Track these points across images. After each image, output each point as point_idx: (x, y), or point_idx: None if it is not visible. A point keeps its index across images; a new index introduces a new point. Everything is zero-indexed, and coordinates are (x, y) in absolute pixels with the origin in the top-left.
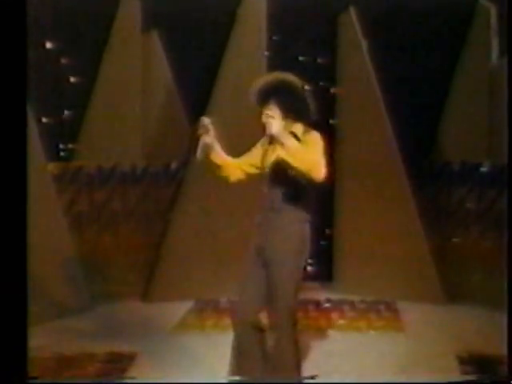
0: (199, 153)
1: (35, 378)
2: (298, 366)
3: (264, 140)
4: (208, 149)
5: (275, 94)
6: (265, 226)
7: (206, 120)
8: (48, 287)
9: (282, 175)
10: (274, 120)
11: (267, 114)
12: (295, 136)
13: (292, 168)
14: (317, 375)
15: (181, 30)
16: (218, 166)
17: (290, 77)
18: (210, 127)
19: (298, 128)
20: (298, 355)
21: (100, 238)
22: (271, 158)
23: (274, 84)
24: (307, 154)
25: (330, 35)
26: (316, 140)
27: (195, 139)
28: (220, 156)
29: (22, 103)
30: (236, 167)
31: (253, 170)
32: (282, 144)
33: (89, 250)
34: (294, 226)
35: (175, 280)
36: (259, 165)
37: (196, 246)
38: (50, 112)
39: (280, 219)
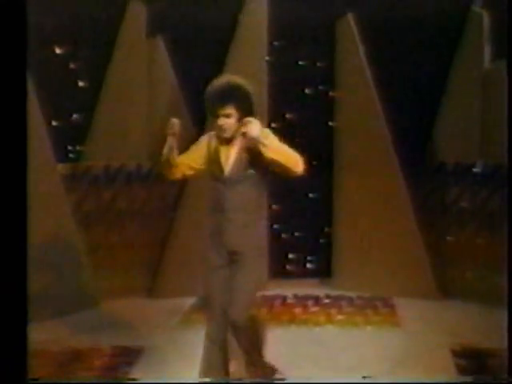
0: (165, 152)
1: (36, 379)
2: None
3: (208, 140)
4: (171, 150)
5: (232, 96)
6: (226, 226)
7: (175, 121)
8: (57, 283)
9: (242, 175)
10: (231, 121)
11: (224, 115)
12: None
13: (277, 165)
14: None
15: (184, 36)
16: (171, 166)
17: (241, 80)
18: (177, 129)
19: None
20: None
21: (107, 235)
22: (230, 158)
23: (229, 87)
24: (287, 150)
25: (328, 40)
26: (274, 136)
27: (163, 138)
28: (176, 157)
29: (22, 104)
30: (182, 168)
31: (193, 171)
32: (263, 144)
33: (96, 246)
34: (254, 225)
35: (179, 277)
36: (200, 166)
37: (199, 244)
38: (59, 115)
39: (241, 219)
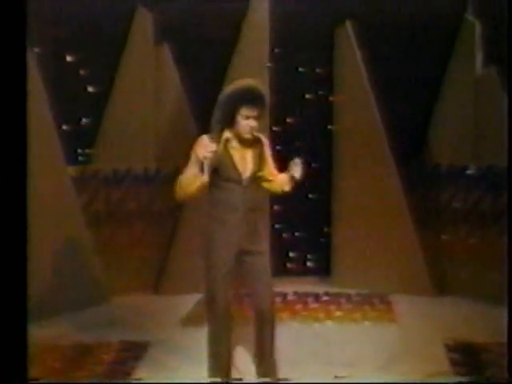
0: (206, 175)
1: (36, 379)
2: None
3: (228, 141)
4: (206, 172)
5: (260, 99)
6: (240, 225)
7: (208, 141)
8: (68, 280)
9: (254, 177)
10: (256, 122)
11: (253, 117)
12: (257, 139)
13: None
14: None
15: (190, 43)
16: (203, 188)
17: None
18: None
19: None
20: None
21: (115, 234)
22: (248, 160)
23: (258, 91)
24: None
25: (327, 47)
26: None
27: (198, 159)
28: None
29: (22, 106)
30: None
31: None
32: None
33: (105, 245)
34: (263, 223)
35: (185, 274)
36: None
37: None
38: (70, 119)
39: (254, 218)
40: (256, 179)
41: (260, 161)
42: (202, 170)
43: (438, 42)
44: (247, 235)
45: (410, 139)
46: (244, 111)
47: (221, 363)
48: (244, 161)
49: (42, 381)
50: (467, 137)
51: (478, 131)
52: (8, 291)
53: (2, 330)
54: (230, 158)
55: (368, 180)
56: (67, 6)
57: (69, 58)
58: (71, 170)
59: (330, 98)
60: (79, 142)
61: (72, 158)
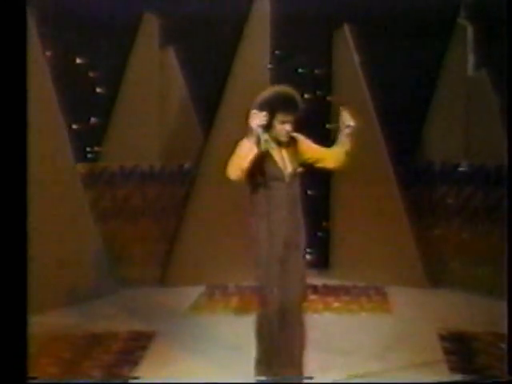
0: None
1: (34, 377)
2: (302, 347)
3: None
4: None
5: (298, 109)
6: (290, 219)
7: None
8: (78, 273)
9: (294, 174)
10: (289, 128)
11: (291, 122)
12: (292, 138)
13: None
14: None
15: (194, 46)
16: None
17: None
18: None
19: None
20: (304, 335)
21: (122, 229)
22: (286, 159)
23: (298, 98)
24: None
25: (326, 50)
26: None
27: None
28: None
29: (23, 106)
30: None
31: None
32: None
33: (112, 240)
34: (302, 219)
35: (188, 267)
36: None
37: (207, 237)
38: (79, 119)
39: (297, 213)
40: (295, 176)
41: (297, 157)
42: (258, 141)
43: (431, 45)
44: (292, 229)
45: (404, 138)
46: (280, 116)
47: (270, 358)
48: (283, 160)
49: (41, 381)
50: (459, 135)
51: (469, 130)
52: (8, 291)
53: (2, 331)
54: (271, 157)
55: (365, 177)
56: (77, 13)
57: (78, 61)
58: (80, 167)
59: (328, 98)
60: (88, 141)
61: (81, 156)
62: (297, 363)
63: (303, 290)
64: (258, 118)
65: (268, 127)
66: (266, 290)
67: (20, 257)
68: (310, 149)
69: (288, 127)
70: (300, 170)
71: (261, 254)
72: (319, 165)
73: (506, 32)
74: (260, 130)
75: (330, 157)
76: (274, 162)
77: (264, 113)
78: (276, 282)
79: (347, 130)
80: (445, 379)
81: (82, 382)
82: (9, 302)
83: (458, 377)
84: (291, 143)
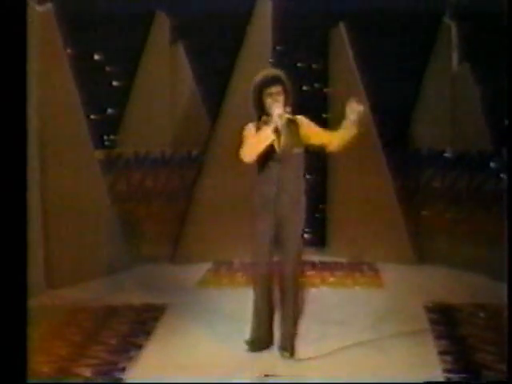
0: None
1: (35, 375)
2: (295, 324)
3: (257, 127)
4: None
5: (279, 79)
6: (283, 198)
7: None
8: (96, 251)
9: (290, 154)
10: (282, 109)
11: (277, 93)
12: (291, 120)
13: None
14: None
15: (202, 42)
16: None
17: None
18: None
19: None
20: (299, 305)
21: (136, 210)
22: (284, 140)
23: (275, 73)
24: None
25: (323, 46)
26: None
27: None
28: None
29: (22, 104)
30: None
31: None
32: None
33: (127, 220)
34: (300, 196)
35: (197, 245)
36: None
37: (214, 218)
38: (97, 110)
39: (291, 190)
40: (292, 156)
41: (297, 139)
42: (276, 129)
43: (419, 42)
44: (288, 205)
45: (394, 126)
46: (267, 90)
47: (262, 323)
48: (278, 140)
49: (41, 380)
50: (445, 124)
51: (454, 119)
52: (8, 291)
53: (2, 331)
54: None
55: (358, 162)
56: (94, 13)
57: (96, 57)
58: (98, 154)
59: (325, 90)
60: (105, 130)
61: (99, 143)
62: (289, 340)
63: (298, 267)
64: (279, 108)
65: (261, 107)
66: (256, 265)
67: (19, 257)
68: (312, 133)
69: (276, 98)
70: (298, 151)
71: (253, 229)
72: (321, 147)
73: (506, 32)
74: (280, 122)
75: (331, 141)
76: (270, 143)
77: (280, 104)
78: (266, 258)
79: (353, 116)
80: (432, 350)
81: (81, 381)
82: (9, 301)
83: (441, 345)
84: (291, 125)
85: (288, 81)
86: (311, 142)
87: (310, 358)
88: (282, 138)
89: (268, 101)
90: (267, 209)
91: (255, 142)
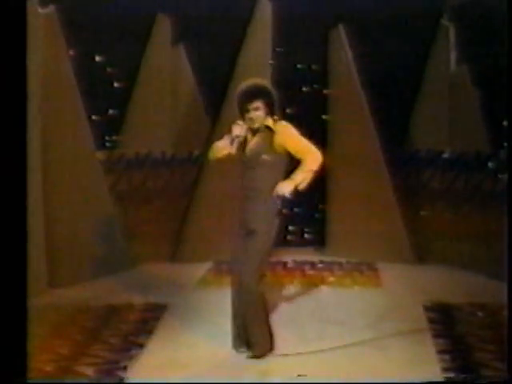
0: (234, 148)
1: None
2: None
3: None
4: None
5: (259, 93)
6: (247, 203)
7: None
8: (98, 251)
9: (257, 160)
10: (259, 113)
11: (253, 109)
12: (268, 128)
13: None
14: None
15: (202, 44)
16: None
17: (266, 82)
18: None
19: (269, 121)
20: (261, 314)
21: (137, 210)
22: (254, 146)
23: (257, 87)
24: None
25: (322, 47)
26: (290, 126)
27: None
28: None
29: (24, 105)
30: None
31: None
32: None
33: (128, 220)
34: (266, 204)
35: (198, 245)
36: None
37: (214, 218)
38: (98, 110)
39: (255, 197)
40: (260, 162)
41: (270, 146)
42: (232, 143)
43: (417, 43)
44: (247, 214)
45: (393, 128)
46: (245, 105)
47: (239, 323)
48: (249, 145)
49: (41, 381)
50: (443, 126)
51: (452, 121)
52: (8, 291)
53: (3, 330)
54: (245, 143)
55: (358, 163)
56: (96, 14)
57: (98, 59)
58: (99, 155)
59: (325, 92)
60: (106, 130)
61: (100, 144)
62: (260, 341)
63: (255, 275)
64: (240, 128)
65: (242, 117)
66: (232, 267)
67: (19, 257)
68: (287, 143)
69: (252, 114)
70: (266, 158)
71: (234, 232)
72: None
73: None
74: (237, 139)
75: (302, 160)
76: (244, 148)
77: (242, 123)
78: (237, 261)
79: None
80: (430, 349)
81: (81, 382)
82: (10, 300)
83: (439, 343)
84: (267, 132)
85: (271, 92)
86: (289, 150)
87: (309, 357)
88: (249, 145)
89: (245, 115)
90: (237, 216)
91: (218, 146)
